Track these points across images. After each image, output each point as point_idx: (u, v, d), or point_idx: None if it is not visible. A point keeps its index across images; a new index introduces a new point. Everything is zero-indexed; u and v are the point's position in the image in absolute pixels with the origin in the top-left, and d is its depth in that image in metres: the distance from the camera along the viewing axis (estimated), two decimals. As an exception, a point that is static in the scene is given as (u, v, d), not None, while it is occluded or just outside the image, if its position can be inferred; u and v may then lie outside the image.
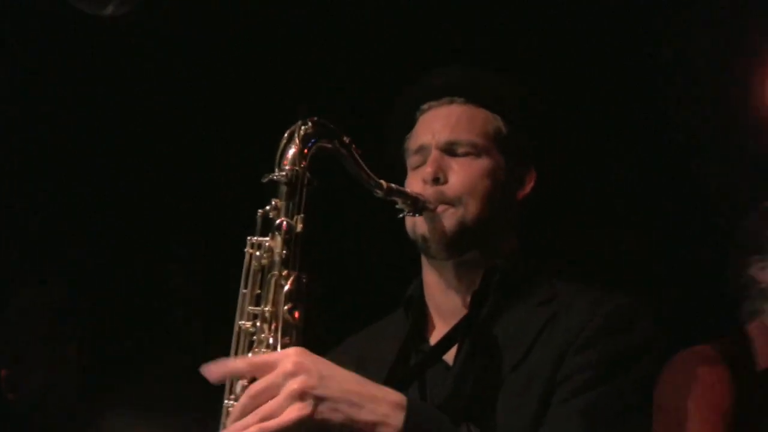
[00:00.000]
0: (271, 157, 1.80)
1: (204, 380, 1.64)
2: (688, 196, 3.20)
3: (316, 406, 1.58)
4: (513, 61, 3.05)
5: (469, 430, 1.80)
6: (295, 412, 1.56)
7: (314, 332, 1.75)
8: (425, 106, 2.13)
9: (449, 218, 2.01)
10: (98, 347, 3.22)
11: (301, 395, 1.57)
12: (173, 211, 3.53)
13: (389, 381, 1.97)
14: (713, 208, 3.09)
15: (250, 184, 1.82)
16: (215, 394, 1.71)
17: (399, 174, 2.13)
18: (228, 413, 1.68)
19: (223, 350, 1.73)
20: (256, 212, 1.78)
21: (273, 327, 1.70)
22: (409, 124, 2.15)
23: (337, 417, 1.61)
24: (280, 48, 3.41)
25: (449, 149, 2.06)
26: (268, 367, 1.61)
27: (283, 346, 1.69)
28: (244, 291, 1.77)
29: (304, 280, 1.73)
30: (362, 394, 1.65)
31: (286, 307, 1.70)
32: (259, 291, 1.75)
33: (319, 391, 1.59)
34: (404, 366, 2.03)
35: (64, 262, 3.46)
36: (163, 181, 3.52)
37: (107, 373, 3.23)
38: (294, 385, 1.57)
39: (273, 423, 1.56)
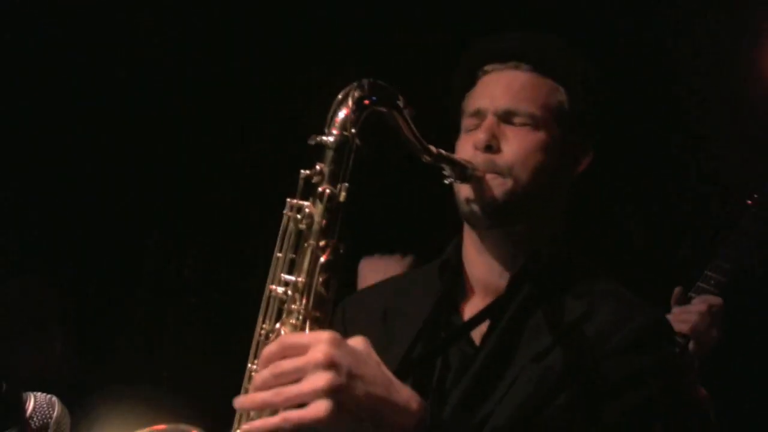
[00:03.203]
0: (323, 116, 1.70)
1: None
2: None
3: (338, 408, 1.50)
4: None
5: None
6: (317, 410, 1.50)
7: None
8: (489, 68, 2.02)
9: (497, 188, 1.94)
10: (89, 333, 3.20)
11: (326, 393, 1.50)
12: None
13: (414, 349, 1.96)
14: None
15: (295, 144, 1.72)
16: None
17: (452, 132, 2.04)
18: (251, 378, 1.63)
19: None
20: (294, 173, 1.68)
21: (304, 299, 1.63)
22: (470, 83, 2.04)
23: (355, 421, 1.54)
24: (336, 4, 3.27)
25: (506, 117, 1.97)
26: (299, 349, 1.54)
27: (313, 320, 1.63)
28: (279, 255, 1.69)
29: (341, 251, 1.66)
30: (387, 402, 1.56)
31: (320, 279, 1.63)
32: (293, 256, 1.68)
33: (344, 394, 1.51)
34: (432, 335, 1.98)
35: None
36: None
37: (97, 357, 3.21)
38: (320, 381, 1.50)
39: (296, 416, 1.51)
